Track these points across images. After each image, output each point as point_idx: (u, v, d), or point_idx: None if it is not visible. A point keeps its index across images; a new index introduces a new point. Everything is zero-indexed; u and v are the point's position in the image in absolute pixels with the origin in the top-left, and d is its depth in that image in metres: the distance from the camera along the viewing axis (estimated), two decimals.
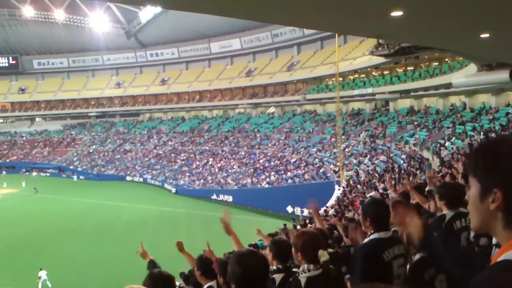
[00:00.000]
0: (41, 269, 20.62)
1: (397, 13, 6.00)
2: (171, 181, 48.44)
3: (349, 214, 14.53)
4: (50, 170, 60.27)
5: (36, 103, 71.85)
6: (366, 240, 3.52)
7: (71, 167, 60.07)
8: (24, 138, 69.65)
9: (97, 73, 73.63)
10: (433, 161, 25.36)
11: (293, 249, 3.25)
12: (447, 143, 27.57)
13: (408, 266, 3.60)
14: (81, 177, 56.03)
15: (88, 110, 69.98)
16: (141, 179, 52.40)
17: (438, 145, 27.71)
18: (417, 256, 3.58)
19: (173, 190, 45.69)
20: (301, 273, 3.12)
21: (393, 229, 4.49)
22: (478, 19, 7.26)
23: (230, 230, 4.47)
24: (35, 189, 45.56)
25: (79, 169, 59.03)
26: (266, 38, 59.82)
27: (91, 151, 63.72)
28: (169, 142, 59.04)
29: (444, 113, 35.41)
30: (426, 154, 28.25)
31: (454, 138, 28.33)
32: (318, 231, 3.73)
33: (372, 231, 3.45)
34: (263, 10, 6.46)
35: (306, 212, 28.90)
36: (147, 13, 64.43)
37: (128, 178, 53.77)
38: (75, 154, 63.88)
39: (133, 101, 68.52)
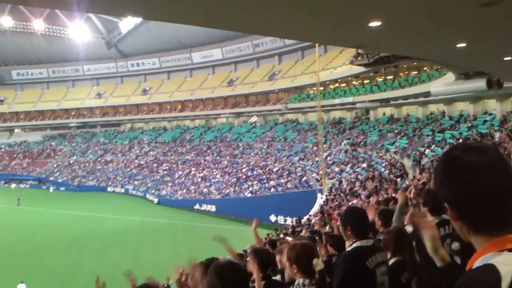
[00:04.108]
0: (21, 282, 20.24)
1: (375, 24, 6.11)
2: (153, 191, 48.05)
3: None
4: (30, 182, 59.24)
5: (15, 114, 70.77)
6: (348, 249, 3.55)
7: (51, 178, 59.16)
8: (2, 150, 68.47)
9: (77, 84, 72.91)
10: (413, 169, 25.66)
11: (287, 262, 3.23)
12: (427, 151, 27.94)
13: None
14: (61, 188, 55.17)
15: (69, 120, 69.15)
16: (123, 190, 51.85)
17: (418, 153, 28.06)
18: (392, 260, 3.63)
19: (155, 200, 45.30)
20: (296, 287, 3.10)
21: (378, 237, 4.55)
22: (454, 29, 7.42)
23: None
24: (18, 200, 44.76)
25: (60, 180, 58.18)
26: (247, 48, 60.06)
27: (71, 162, 62.92)
28: (151, 152, 58.64)
29: (423, 121, 35.92)
30: (406, 161, 28.58)
31: (434, 145, 28.73)
32: (309, 241, 3.75)
33: (354, 240, 3.47)
34: (239, 20, 6.51)
35: (289, 220, 28.93)
36: (127, 23, 64.23)
37: (109, 189, 53.16)
38: (55, 165, 63.00)
39: (114, 111, 67.96)
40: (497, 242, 1.22)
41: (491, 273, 1.16)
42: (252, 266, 3.58)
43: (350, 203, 18.60)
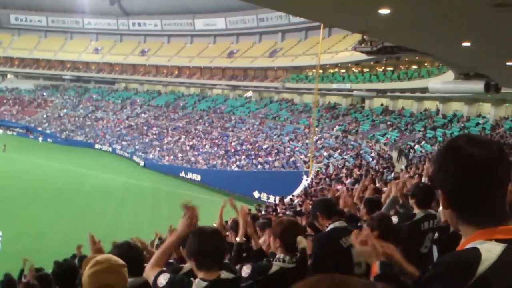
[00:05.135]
0: None
1: (384, 11, 6.01)
2: (140, 153, 47.96)
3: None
4: (18, 130, 58.75)
5: (9, 59, 69.57)
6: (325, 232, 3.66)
7: (40, 128, 58.69)
8: None
9: (75, 36, 71.66)
10: (401, 162, 25.84)
11: (271, 236, 3.28)
12: (416, 146, 28.09)
13: None
14: (49, 140, 54.81)
15: (63, 72, 68.15)
16: (110, 149, 51.68)
17: (408, 147, 28.21)
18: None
19: (142, 163, 45.27)
20: (276, 261, 3.14)
21: (360, 224, 4.58)
22: (462, 27, 7.35)
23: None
24: (4, 146, 44.44)
25: (48, 131, 57.74)
26: (252, 21, 59.31)
27: (61, 114, 62.33)
28: (142, 115, 58.29)
29: (417, 117, 36.01)
30: (395, 154, 28.75)
31: (424, 142, 28.89)
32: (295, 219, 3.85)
33: (329, 223, 3.59)
34: None
35: (272, 198, 29.10)
36: None
37: (96, 146, 52.96)
38: (45, 116, 62.41)
39: (110, 69, 67.15)
40: (486, 232, 1.27)
41: (472, 253, 1.22)
42: (241, 218, 3.99)
43: (335, 189, 18.70)
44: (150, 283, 2.65)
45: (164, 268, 2.78)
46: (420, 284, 1.29)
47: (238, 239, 3.98)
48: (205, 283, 2.55)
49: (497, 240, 1.25)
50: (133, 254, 2.96)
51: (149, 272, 2.72)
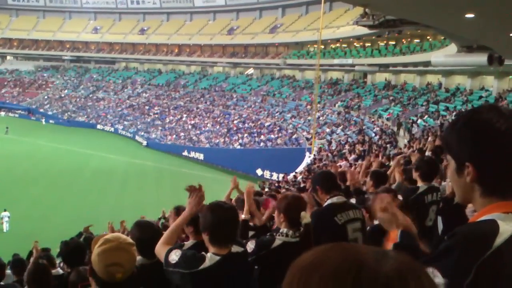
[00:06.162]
0: (4, 210, 20.39)
1: None
2: (142, 133, 47.97)
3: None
4: (19, 111, 58.72)
5: (8, 41, 69.16)
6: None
7: (41, 110, 58.62)
8: None
9: (74, 16, 70.97)
10: (404, 137, 25.80)
11: (276, 211, 3.34)
12: (419, 121, 27.99)
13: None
14: (51, 121, 54.80)
15: (63, 53, 67.76)
16: (112, 129, 51.68)
17: (411, 122, 28.12)
18: (376, 222, 3.66)
19: (144, 142, 45.32)
20: (279, 235, 3.18)
21: (366, 196, 4.60)
22: None
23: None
24: (6, 128, 44.51)
25: (49, 113, 57.68)
26: None
27: (62, 95, 62.18)
28: (144, 94, 58.10)
29: (419, 91, 35.79)
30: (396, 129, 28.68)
31: (426, 116, 28.77)
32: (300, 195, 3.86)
33: (327, 198, 3.59)
34: None
35: (275, 176, 29.18)
36: None
37: (99, 126, 52.95)
38: (46, 97, 62.28)
39: (110, 48, 66.69)
40: (505, 205, 1.28)
41: (490, 226, 1.22)
42: (246, 196, 4.11)
43: (337, 164, 18.72)
44: (162, 260, 2.71)
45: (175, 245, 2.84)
46: (434, 257, 1.26)
47: (243, 215, 4.02)
48: (218, 257, 2.60)
49: None
50: (152, 235, 3.10)
51: (160, 250, 2.78)
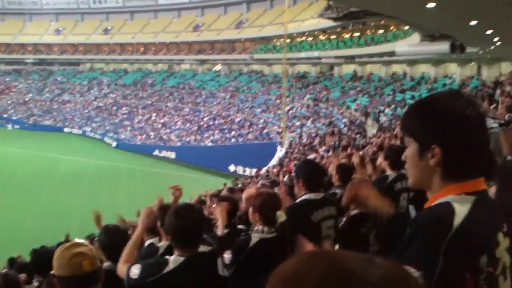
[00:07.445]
0: None
1: None
2: (111, 134, 47.22)
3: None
4: None
5: None
6: (297, 201, 3.56)
7: (5, 115, 56.97)
8: None
9: (35, 18, 69.08)
10: (372, 127, 26.20)
11: (250, 209, 3.24)
12: (386, 110, 28.45)
13: (345, 219, 3.72)
14: (16, 126, 53.39)
15: (25, 56, 65.90)
16: (80, 132, 50.66)
17: (378, 111, 28.56)
18: (354, 212, 3.69)
19: (114, 144, 44.61)
20: (254, 233, 3.15)
21: (333, 191, 4.61)
22: None
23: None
24: None
25: (14, 118, 56.14)
26: None
27: (27, 99, 60.57)
28: (111, 95, 57.15)
29: (386, 81, 36.37)
30: (368, 120, 29.09)
31: (393, 105, 29.26)
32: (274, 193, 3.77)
33: (304, 193, 3.47)
34: None
35: (248, 171, 29.22)
36: None
37: (66, 129, 51.83)
38: (9, 102, 60.55)
39: (73, 50, 65.31)
40: (457, 186, 1.31)
41: (445, 208, 1.26)
42: (218, 213, 3.54)
43: (308, 157, 18.86)
44: (124, 278, 2.65)
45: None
46: (402, 248, 1.28)
47: (219, 233, 3.52)
48: (182, 259, 2.57)
49: (467, 193, 1.30)
50: (120, 240, 3.10)
51: (121, 270, 2.74)
